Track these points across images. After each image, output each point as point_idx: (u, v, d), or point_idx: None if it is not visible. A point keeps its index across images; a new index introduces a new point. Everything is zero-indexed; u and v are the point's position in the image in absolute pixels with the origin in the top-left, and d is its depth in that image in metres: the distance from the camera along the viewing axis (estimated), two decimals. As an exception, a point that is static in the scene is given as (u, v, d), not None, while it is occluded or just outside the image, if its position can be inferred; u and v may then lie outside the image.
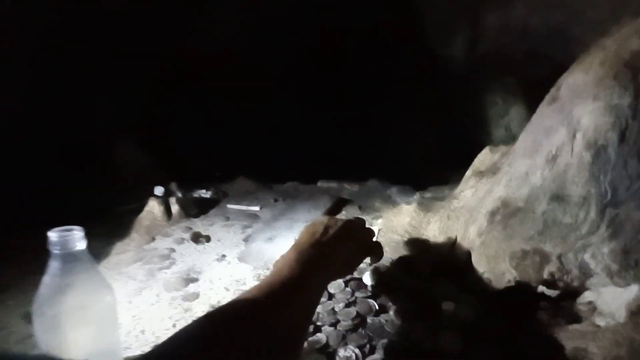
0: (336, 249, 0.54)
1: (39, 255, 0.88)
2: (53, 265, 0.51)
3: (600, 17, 1.22)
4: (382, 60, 1.53)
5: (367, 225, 0.64)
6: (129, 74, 1.40)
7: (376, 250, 0.66)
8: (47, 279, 0.51)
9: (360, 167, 1.42)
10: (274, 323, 0.43)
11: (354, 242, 0.58)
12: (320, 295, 0.52)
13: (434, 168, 1.40)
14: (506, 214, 0.72)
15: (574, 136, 0.65)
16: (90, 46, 1.23)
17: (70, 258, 0.52)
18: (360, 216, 0.64)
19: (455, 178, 1.25)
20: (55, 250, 0.51)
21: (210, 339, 0.38)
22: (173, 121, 1.51)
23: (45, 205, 1.00)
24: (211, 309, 0.44)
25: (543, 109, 0.76)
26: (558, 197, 0.66)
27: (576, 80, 0.68)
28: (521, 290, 0.67)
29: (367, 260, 0.86)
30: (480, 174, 0.90)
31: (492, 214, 0.75)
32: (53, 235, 0.51)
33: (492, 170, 0.86)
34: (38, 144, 1.12)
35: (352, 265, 0.60)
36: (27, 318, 0.70)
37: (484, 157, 0.94)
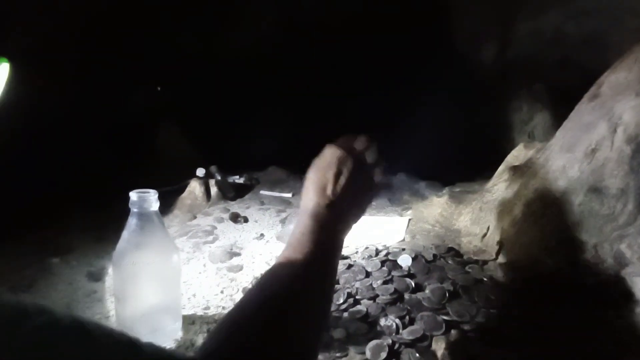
0: (350, 201, 0.50)
1: (94, 225, 0.96)
2: (131, 222, 0.57)
3: (639, 25, 1.22)
4: (413, 61, 1.57)
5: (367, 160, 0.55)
6: (173, 65, 1.47)
7: (379, 183, 0.58)
8: (125, 234, 0.57)
9: (388, 162, 1.46)
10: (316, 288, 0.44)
11: (364, 182, 0.53)
12: (341, 249, 0.50)
13: (458, 168, 1.43)
14: (542, 205, 0.75)
15: (614, 131, 0.68)
16: (135, 37, 1.30)
17: (145, 217, 0.57)
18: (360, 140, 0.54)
19: (479, 177, 1.28)
20: (134, 209, 0.57)
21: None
22: (213, 110, 1.58)
23: (99, 183, 1.07)
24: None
25: (582, 106, 0.78)
26: (596, 190, 0.68)
27: (619, 77, 0.71)
28: (555, 277, 0.70)
29: (401, 244, 0.91)
30: (514, 169, 0.92)
31: (528, 205, 0.78)
32: (134, 195, 0.56)
33: (527, 165, 0.88)
34: (91, 130, 1.20)
35: (364, 207, 0.55)
36: (91, 276, 0.76)
37: (518, 153, 0.97)
